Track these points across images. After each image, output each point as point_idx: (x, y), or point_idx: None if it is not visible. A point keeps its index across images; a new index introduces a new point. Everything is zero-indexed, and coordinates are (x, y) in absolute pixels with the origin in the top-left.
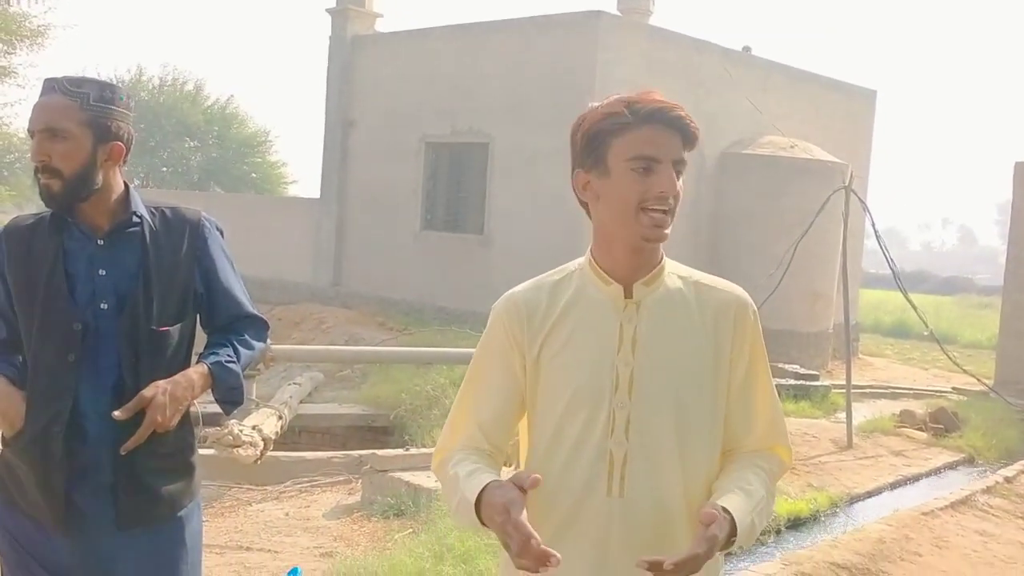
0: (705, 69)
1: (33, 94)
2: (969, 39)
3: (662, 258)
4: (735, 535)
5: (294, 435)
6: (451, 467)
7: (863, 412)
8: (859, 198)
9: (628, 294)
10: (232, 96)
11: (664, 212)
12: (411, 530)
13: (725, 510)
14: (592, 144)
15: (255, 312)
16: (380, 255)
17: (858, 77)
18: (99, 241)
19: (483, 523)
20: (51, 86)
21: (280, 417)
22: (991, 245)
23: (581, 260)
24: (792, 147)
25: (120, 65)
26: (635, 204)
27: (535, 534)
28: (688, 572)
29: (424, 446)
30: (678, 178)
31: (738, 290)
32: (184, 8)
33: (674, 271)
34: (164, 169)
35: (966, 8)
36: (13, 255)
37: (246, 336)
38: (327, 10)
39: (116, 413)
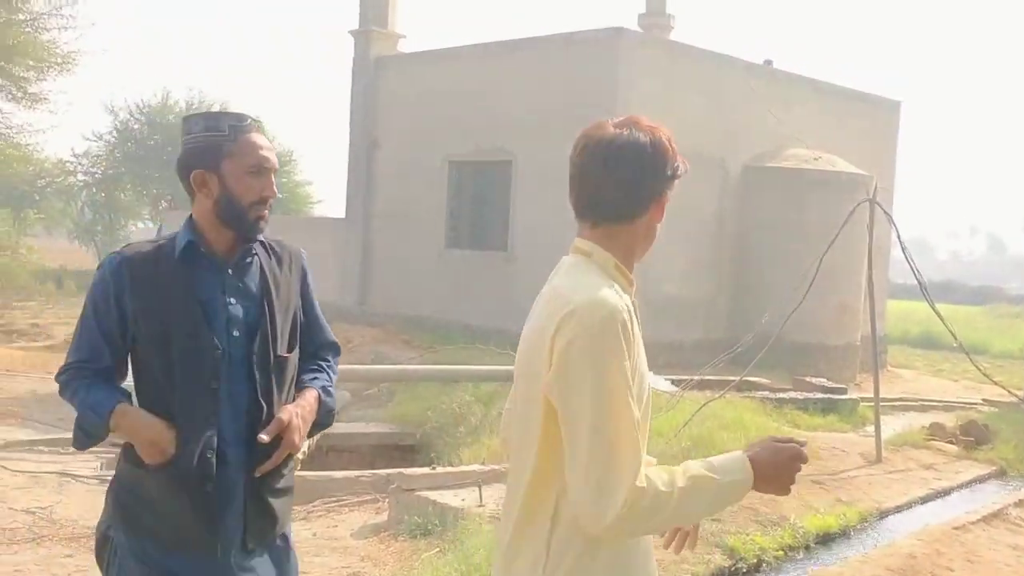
0: (727, 83)
1: (65, 120)
2: (995, 46)
3: None
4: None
5: (322, 454)
6: (664, 480)
7: (892, 425)
8: (883, 210)
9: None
10: (257, 117)
11: None
12: (438, 549)
13: None
14: (664, 181)
15: (335, 339)
16: (405, 273)
17: (882, 88)
18: (229, 270)
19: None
20: (255, 126)
21: (310, 436)
22: (1021, 253)
23: (600, 263)
24: (816, 159)
25: (146, 90)
26: (654, 237)
27: None
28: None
29: (451, 464)
30: None
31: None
32: (209, 31)
33: None
34: None
35: (992, 15)
36: (137, 282)
37: (331, 361)
38: (350, 32)
39: (262, 437)
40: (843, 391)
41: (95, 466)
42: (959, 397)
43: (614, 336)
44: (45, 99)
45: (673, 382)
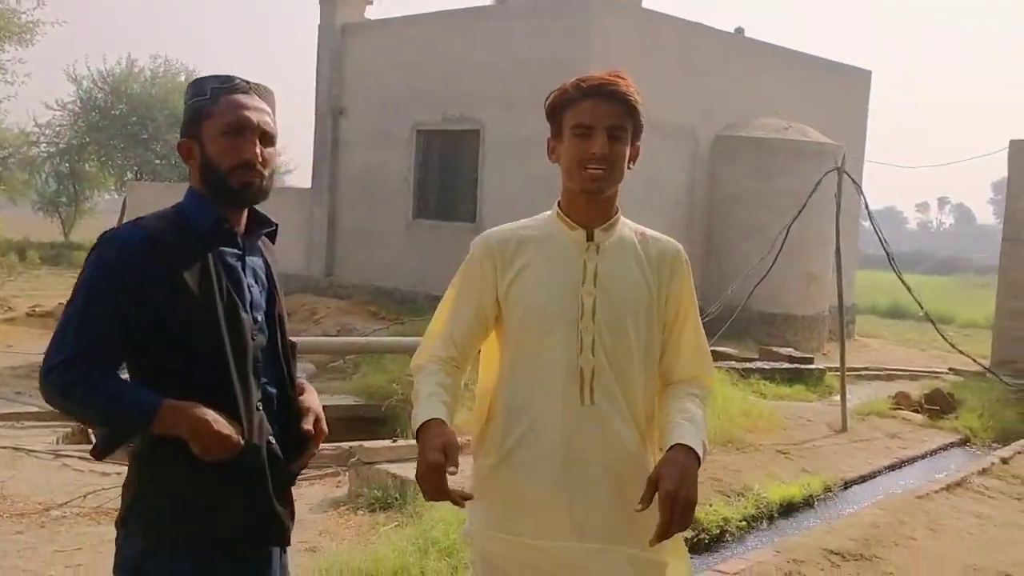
0: (698, 51)
1: (27, 90)
2: (966, 18)
3: (617, 211)
4: (699, 460)
5: None
6: (422, 377)
7: (858, 395)
8: (852, 179)
9: (590, 237)
10: (269, 92)
11: (600, 169)
12: (397, 523)
13: (681, 445)
14: (552, 116)
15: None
16: (372, 244)
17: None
18: (240, 249)
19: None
20: (247, 87)
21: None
22: (988, 224)
23: (549, 212)
24: (786, 129)
25: (110, 57)
26: (576, 163)
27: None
28: (678, 525)
29: (415, 437)
30: (618, 141)
31: (675, 243)
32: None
33: (627, 223)
34: (157, 162)
35: None
36: (169, 262)
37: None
38: None
39: (308, 427)
40: (810, 361)
41: (50, 440)
42: (926, 366)
43: (468, 259)
44: (3, 69)
45: None
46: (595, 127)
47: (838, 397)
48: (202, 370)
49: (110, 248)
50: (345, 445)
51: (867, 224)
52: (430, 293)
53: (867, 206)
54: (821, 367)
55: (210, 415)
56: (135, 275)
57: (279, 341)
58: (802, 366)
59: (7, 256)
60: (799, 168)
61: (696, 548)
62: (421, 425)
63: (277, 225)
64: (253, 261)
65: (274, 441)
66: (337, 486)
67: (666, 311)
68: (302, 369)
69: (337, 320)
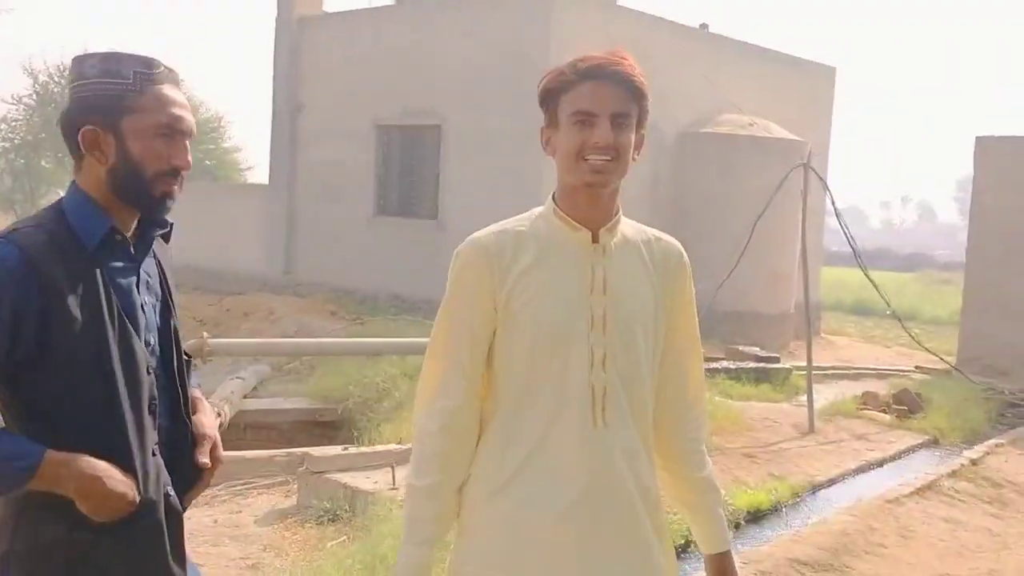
0: (659, 46)
1: None
2: (930, 14)
3: (619, 208)
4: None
5: (239, 432)
6: (426, 452)
7: (825, 394)
8: (818, 175)
9: (595, 239)
10: (183, 81)
11: (604, 160)
12: (344, 537)
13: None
14: (546, 102)
15: None
16: (332, 242)
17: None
18: (132, 261)
19: None
20: (174, 76)
21: (219, 414)
22: (950, 221)
23: (541, 209)
24: (750, 125)
25: (66, 48)
26: (575, 153)
27: None
28: None
29: (371, 441)
30: (623, 129)
31: (677, 243)
32: None
33: (627, 221)
34: None
35: None
36: (48, 286)
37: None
38: None
39: (204, 461)
40: (776, 360)
41: None
42: (892, 364)
43: (459, 270)
44: None
45: None
46: (597, 113)
47: (804, 397)
48: (87, 414)
49: None
50: (297, 451)
51: (830, 220)
52: (391, 292)
53: (833, 202)
54: (787, 366)
55: (101, 469)
56: (8, 305)
57: (175, 360)
58: (768, 365)
59: None
60: (765, 165)
61: None
62: None
63: (172, 224)
64: (146, 267)
65: (172, 492)
66: (286, 496)
67: (670, 320)
68: (255, 371)
69: (295, 320)
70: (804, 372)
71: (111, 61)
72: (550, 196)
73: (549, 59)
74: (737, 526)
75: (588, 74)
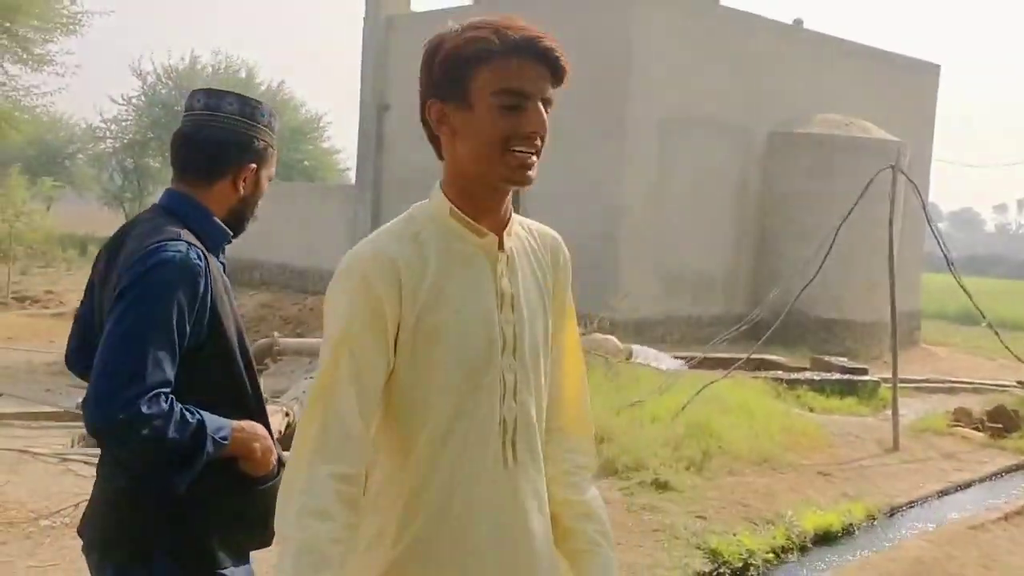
0: (752, 45)
1: (73, 81)
2: None
3: (509, 204)
4: None
5: None
6: (318, 539)
7: (916, 409)
8: (907, 177)
9: (501, 245)
10: (283, 82)
11: (533, 153)
12: None
13: None
14: (453, 72)
15: None
16: None
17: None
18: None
19: None
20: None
21: (288, 414)
22: None
23: (425, 207)
24: (847, 125)
25: (175, 54)
26: (500, 143)
27: None
28: None
29: None
30: (546, 119)
31: (557, 234)
32: None
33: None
34: None
35: None
36: (213, 285)
37: None
38: None
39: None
40: (863, 372)
41: (65, 442)
42: (993, 378)
43: (350, 289)
44: (51, 61)
45: (683, 360)
46: (530, 96)
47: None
48: (234, 393)
49: (175, 270)
50: None
51: (943, 226)
52: None
53: (924, 205)
54: (875, 379)
55: (262, 432)
56: (195, 298)
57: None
58: (855, 377)
59: (67, 251)
60: (860, 166)
61: None
62: None
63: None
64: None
65: None
66: None
67: (553, 321)
68: None
69: None
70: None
71: (272, 115)
72: (435, 192)
73: (631, 59)
74: (803, 549)
75: (520, 47)
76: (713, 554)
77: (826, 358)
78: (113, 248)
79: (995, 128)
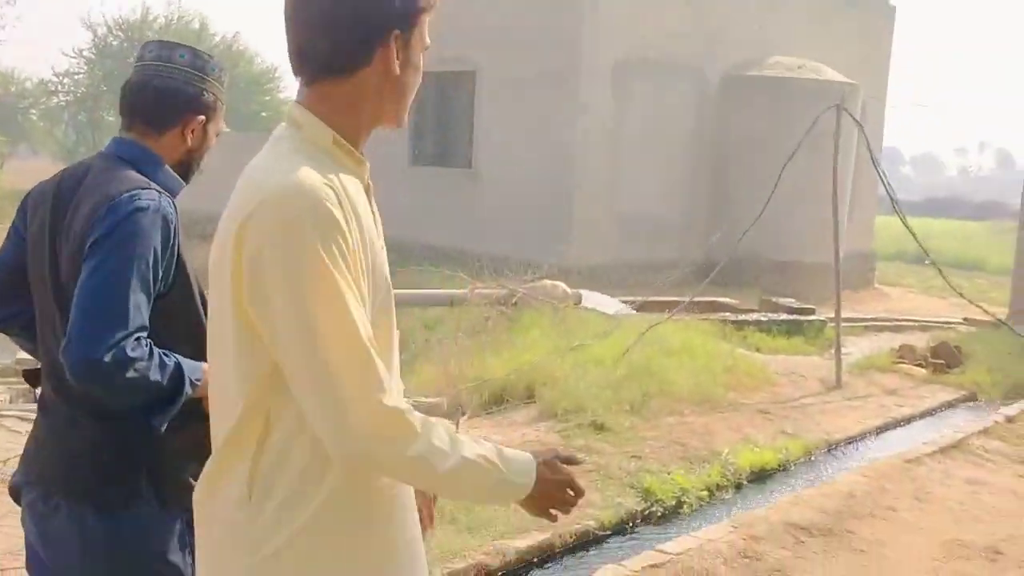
0: None
1: (13, 35)
2: None
3: None
4: None
5: None
6: (437, 431)
7: (863, 347)
8: (853, 117)
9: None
10: (238, 33)
11: None
12: None
13: None
14: (415, 13)
15: None
16: None
17: None
18: None
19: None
20: None
21: None
22: None
23: (311, 137)
24: (800, 68)
25: (124, 5)
26: (412, 88)
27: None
28: None
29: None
30: None
31: None
32: None
33: None
34: None
35: None
36: (181, 239)
37: None
38: None
39: None
40: (811, 312)
41: (3, 398)
42: (941, 316)
43: (318, 234)
44: None
45: (630, 303)
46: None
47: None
48: (192, 324)
49: (151, 218)
50: None
51: (905, 169)
52: (425, 242)
53: (869, 146)
54: (822, 318)
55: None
56: (167, 246)
57: None
58: (801, 317)
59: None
60: (812, 109)
61: (647, 521)
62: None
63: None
64: None
65: None
66: None
67: None
68: None
69: None
70: (843, 324)
71: (223, 70)
72: (313, 126)
73: (583, 2)
74: (739, 486)
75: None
76: (646, 493)
77: (774, 299)
78: (59, 195)
79: (956, 71)
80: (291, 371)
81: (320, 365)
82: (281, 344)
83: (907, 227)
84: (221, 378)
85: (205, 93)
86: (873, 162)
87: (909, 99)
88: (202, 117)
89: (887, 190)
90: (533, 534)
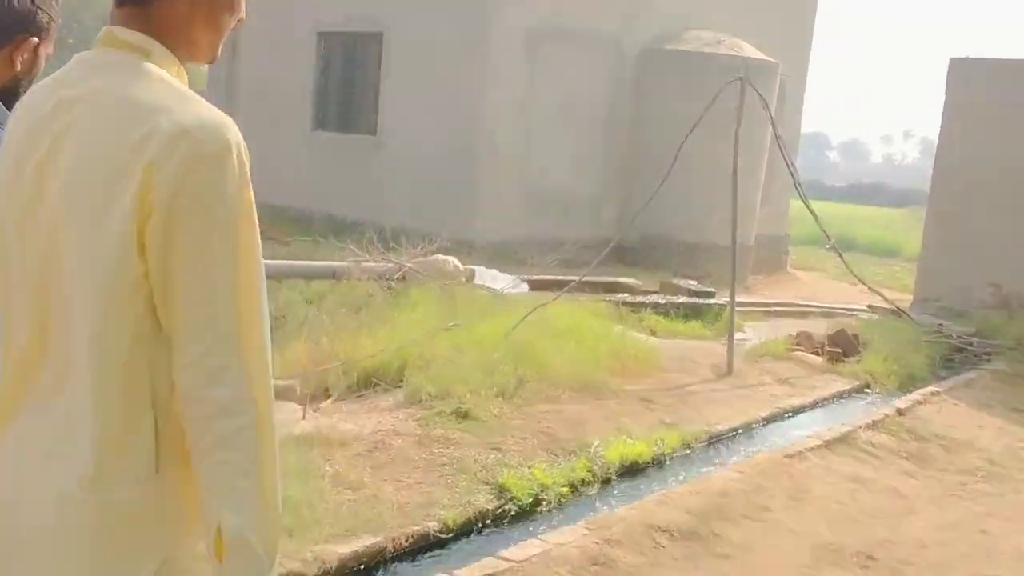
0: None
1: None
2: None
3: None
4: None
5: None
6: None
7: (763, 334)
8: (758, 93)
9: None
10: None
11: None
12: None
13: None
14: None
15: None
16: (268, 158)
17: None
18: None
19: None
20: None
21: None
22: None
23: (168, 66)
24: (718, 43)
25: None
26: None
27: None
28: None
29: None
30: None
31: None
32: None
33: None
34: None
35: None
36: None
37: None
38: None
39: None
40: (710, 295)
41: None
42: (851, 303)
43: (244, 173)
44: None
45: (526, 281)
46: None
47: (739, 335)
48: None
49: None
50: None
51: (831, 155)
52: (326, 212)
53: (774, 124)
54: (721, 302)
55: None
56: None
57: None
58: (700, 300)
59: None
60: (734, 87)
61: (498, 521)
62: None
63: None
64: None
65: None
66: None
67: None
68: None
69: None
70: (745, 308)
71: None
72: (163, 55)
73: None
74: (606, 481)
75: None
76: (501, 489)
77: (675, 281)
78: None
79: (881, 57)
80: (190, 316)
81: (234, 313)
82: (185, 284)
83: (811, 211)
84: (69, 349)
85: (38, 12)
86: (776, 140)
87: (835, 85)
88: (34, 39)
89: (790, 171)
90: (363, 537)
